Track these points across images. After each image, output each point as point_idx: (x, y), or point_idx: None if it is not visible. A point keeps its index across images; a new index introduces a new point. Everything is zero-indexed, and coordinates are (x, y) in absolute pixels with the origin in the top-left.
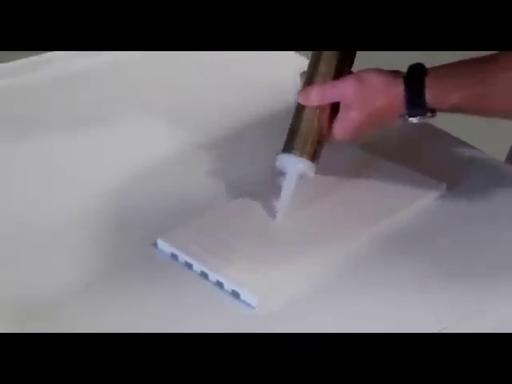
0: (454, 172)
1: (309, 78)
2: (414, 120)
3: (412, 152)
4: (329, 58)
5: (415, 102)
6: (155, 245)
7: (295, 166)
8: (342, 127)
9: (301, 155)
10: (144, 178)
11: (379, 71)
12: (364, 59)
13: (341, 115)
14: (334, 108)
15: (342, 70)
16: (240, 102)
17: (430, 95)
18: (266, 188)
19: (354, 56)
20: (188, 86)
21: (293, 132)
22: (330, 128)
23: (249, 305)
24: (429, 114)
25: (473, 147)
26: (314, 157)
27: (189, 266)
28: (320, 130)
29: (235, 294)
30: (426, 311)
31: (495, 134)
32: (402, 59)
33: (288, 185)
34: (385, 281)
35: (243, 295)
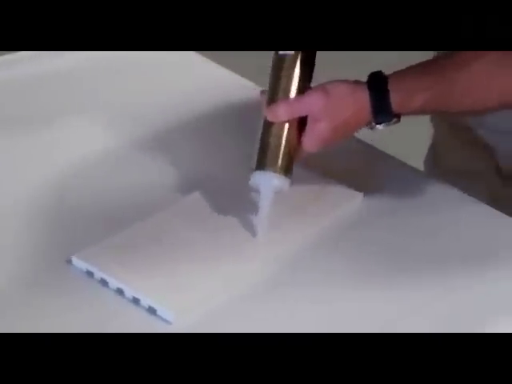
0: (368, 179)
1: (271, 95)
2: (380, 127)
3: (329, 160)
4: (289, 73)
5: (381, 107)
6: (69, 262)
7: (270, 182)
8: (311, 140)
9: (274, 171)
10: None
11: (343, 81)
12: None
13: (309, 128)
14: (301, 122)
15: (304, 84)
16: (179, 102)
17: (395, 99)
18: (191, 197)
19: (312, 70)
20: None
21: (263, 149)
22: (299, 141)
23: (165, 320)
24: (394, 120)
25: (386, 154)
26: (287, 171)
27: (104, 282)
28: (290, 145)
29: (151, 310)
30: (363, 310)
31: (410, 139)
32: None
33: (265, 202)
34: (309, 285)
35: (160, 311)
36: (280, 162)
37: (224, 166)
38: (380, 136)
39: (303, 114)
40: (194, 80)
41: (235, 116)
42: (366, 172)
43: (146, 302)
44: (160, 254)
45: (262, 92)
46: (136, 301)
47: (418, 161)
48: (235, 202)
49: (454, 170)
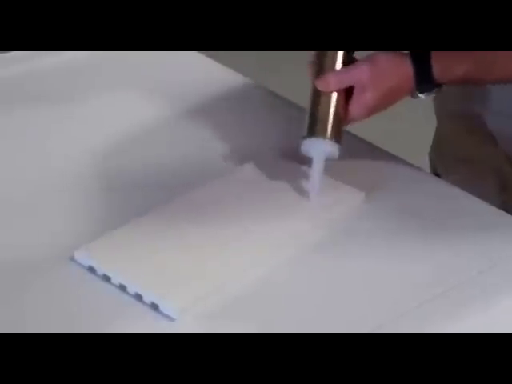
0: (369, 178)
1: (320, 67)
2: (422, 96)
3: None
4: None
5: (423, 77)
6: (72, 258)
7: (321, 148)
8: (358, 108)
9: (324, 138)
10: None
11: (387, 53)
12: None
13: (356, 97)
14: (348, 91)
15: (348, 56)
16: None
17: (437, 69)
18: (192, 195)
19: None
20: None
21: (313, 117)
22: (347, 110)
23: (168, 316)
24: (436, 89)
25: (390, 154)
26: (337, 138)
27: (107, 278)
28: (338, 113)
29: (154, 306)
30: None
31: (414, 139)
32: None
33: (316, 167)
34: (314, 284)
35: (162, 307)
36: (330, 129)
37: (226, 164)
38: (382, 135)
39: (351, 84)
40: (195, 79)
41: (237, 113)
42: (368, 171)
43: (148, 297)
44: (162, 249)
45: (310, 64)
46: (139, 297)
47: (420, 159)
48: (239, 198)
49: (461, 160)
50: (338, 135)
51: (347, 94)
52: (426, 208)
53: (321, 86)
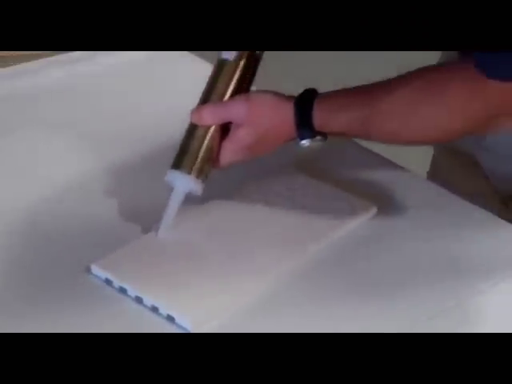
0: (381, 191)
1: (205, 97)
2: (304, 143)
3: (338, 171)
4: (227, 77)
5: (304, 123)
6: (88, 270)
7: (182, 182)
8: (231, 147)
9: (189, 173)
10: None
11: (272, 93)
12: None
13: (231, 134)
14: (227, 128)
15: (240, 90)
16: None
17: (318, 117)
18: (196, 210)
19: (252, 78)
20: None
21: (183, 149)
22: (220, 147)
23: (184, 328)
24: (318, 137)
25: (396, 165)
26: (202, 175)
27: (123, 291)
28: (210, 149)
29: (170, 318)
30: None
31: (414, 150)
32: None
33: (174, 201)
34: (323, 297)
35: (178, 319)
36: (197, 165)
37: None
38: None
39: (227, 120)
40: (187, 79)
41: None
42: (378, 184)
43: (164, 310)
44: (177, 263)
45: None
46: (155, 309)
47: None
48: (244, 212)
49: (454, 189)
50: (204, 173)
51: (227, 131)
52: (440, 221)
53: (194, 119)
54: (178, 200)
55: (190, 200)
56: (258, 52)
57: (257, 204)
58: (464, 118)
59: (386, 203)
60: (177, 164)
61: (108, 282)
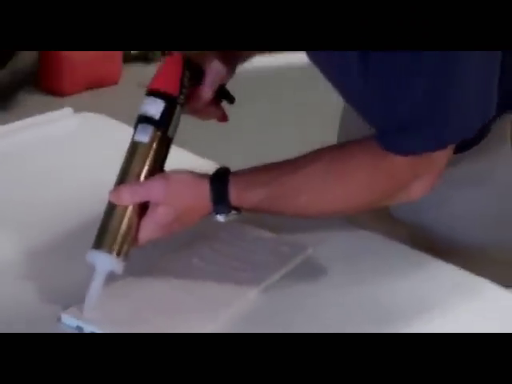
0: (315, 234)
1: (121, 177)
2: (220, 217)
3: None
4: (142, 158)
5: (220, 200)
6: (59, 319)
7: (105, 262)
8: (150, 225)
9: (110, 253)
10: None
11: (187, 172)
12: None
13: (150, 213)
14: (145, 207)
15: (154, 170)
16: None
17: (233, 192)
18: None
19: (164, 159)
20: None
21: (103, 229)
22: (139, 226)
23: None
24: (233, 212)
25: None
26: (122, 254)
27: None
28: (129, 229)
29: None
30: None
31: None
32: None
33: (97, 280)
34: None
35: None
36: (117, 245)
37: None
38: None
39: (144, 200)
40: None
41: None
42: (309, 227)
43: None
44: (146, 307)
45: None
46: None
47: None
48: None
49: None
50: (124, 251)
51: (145, 210)
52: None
53: (113, 198)
54: (101, 280)
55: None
56: (169, 134)
57: (190, 258)
58: (371, 191)
59: (319, 245)
60: (98, 244)
61: (79, 328)
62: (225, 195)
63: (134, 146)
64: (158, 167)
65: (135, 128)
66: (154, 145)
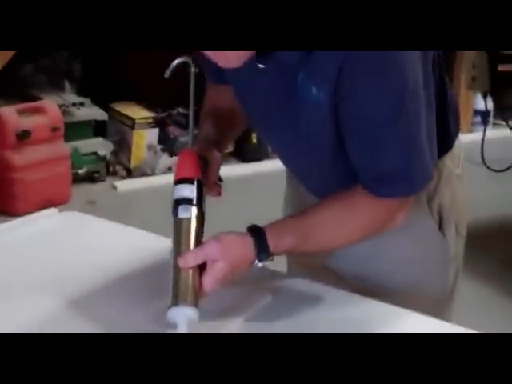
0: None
1: (177, 247)
2: (259, 264)
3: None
4: (188, 229)
5: (262, 249)
6: None
7: (184, 314)
8: (210, 277)
9: (186, 305)
10: None
11: (231, 232)
12: None
13: (208, 269)
14: (201, 266)
15: (198, 237)
16: None
17: (271, 242)
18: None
19: (203, 225)
20: None
21: (176, 289)
22: (201, 280)
23: None
24: (270, 258)
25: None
26: (196, 304)
27: None
28: (195, 284)
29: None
30: None
31: None
32: None
33: (181, 330)
34: None
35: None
36: (189, 298)
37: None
38: None
39: (204, 260)
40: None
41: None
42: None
43: None
44: None
45: (170, 253)
46: None
47: None
48: None
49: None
50: (196, 302)
51: (201, 269)
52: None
53: (182, 264)
54: (185, 328)
55: None
56: (203, 208)
57: None
58: (370, 225)
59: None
60: (175, 301)
61: None
62: (265, 245)
63: (180, 223)
64: (200, 234)
65: (175, 210)
66: (195, 218)
